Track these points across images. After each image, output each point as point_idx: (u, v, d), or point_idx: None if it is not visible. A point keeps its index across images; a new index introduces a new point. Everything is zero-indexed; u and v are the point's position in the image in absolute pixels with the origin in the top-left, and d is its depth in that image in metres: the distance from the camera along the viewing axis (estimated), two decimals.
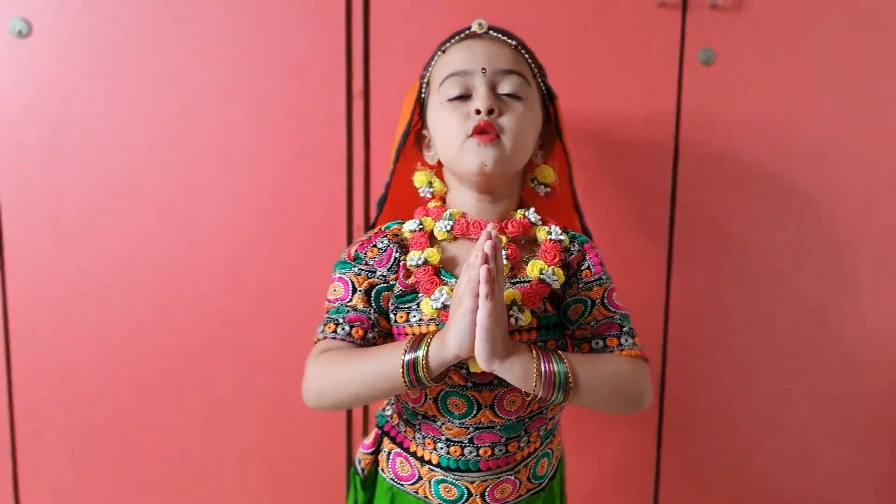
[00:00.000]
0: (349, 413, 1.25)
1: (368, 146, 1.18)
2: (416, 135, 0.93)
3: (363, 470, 0.93)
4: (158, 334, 1.20)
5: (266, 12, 1.14)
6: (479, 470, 0.85)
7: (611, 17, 1.18)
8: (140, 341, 1.20)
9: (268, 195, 1.18)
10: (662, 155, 1.22)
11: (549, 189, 0.92)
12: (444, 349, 0.74)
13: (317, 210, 1.18)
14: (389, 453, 0.91)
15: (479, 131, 0.81)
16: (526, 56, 0.88)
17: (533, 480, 0.89)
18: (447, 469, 0.86)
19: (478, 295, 0.70)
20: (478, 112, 0.81)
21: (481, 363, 0.73)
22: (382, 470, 0.92)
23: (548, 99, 0.91)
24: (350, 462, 1.26)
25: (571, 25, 1.18)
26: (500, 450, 0.85)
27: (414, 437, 0.88)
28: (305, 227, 1.19)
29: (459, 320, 0.72)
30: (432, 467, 0.87)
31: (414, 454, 0.88)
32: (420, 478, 0.87)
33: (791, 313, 1.28)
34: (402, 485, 0.89)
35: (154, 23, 1.13)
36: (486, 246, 0.71)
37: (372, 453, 0.93)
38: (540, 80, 0.89)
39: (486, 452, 0.85)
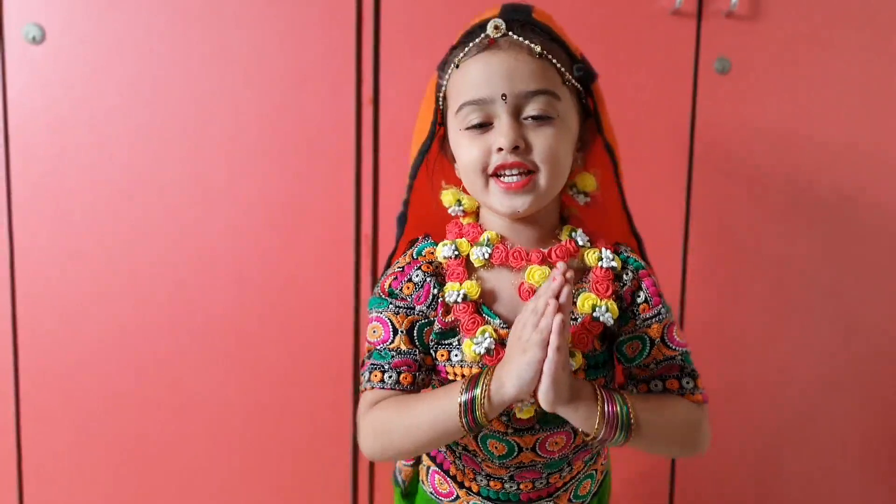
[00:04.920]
0: (354, 425, 1.23)
1: (377, 154, 1.17)
2: (440, 141, 0.82)
3: (403, 482, 0.90)
4: (164, 340, 1.19)
5: (276, 19, 1.13)
6: (519, 500, 0.83)
7: (625, 24, 1.18)
8: (146, 346, 1.18)
9: (277, 201, 1.17)
10: (678, 163, 1.21)
11: (588, 199, 0.81)
12: (502, 391, 0.68)
13: (325, 217, 1.17)
14: (428, 469, 0.87)
15: (504, 174, 0.73)
16: (552, 59, 0.74)
17: (574, 501, 0.86)
18: (487, 498, 0.83)
19: (547, 345, 0.65)
20: (500, 150, 0.72)
21: (545, 406, 0.68)
22: (422, 482, 0.88)
23: (584, 92, 0.78)
24: (355, 473, 1.24)
25: (585, 32, 1.16)
26: (542, 483, 0.82)
27: (454, 462, 0.84)
28: (313, 234, 1.18)
29: (525, 368, 0.67)
30: (471, 493, 0.84)
31: (454, 478, 0.84)
32: (458, 497, 0.84)
33: (811, 324, 1.26)
34: (440, 500, 0.86)
35: (165, 30, 1.12)
36: (563, 295, 0.66)
37: (412, 465, 0.89)
38: (572, 74, 0.76)
39: (526, 486, 0.82)
